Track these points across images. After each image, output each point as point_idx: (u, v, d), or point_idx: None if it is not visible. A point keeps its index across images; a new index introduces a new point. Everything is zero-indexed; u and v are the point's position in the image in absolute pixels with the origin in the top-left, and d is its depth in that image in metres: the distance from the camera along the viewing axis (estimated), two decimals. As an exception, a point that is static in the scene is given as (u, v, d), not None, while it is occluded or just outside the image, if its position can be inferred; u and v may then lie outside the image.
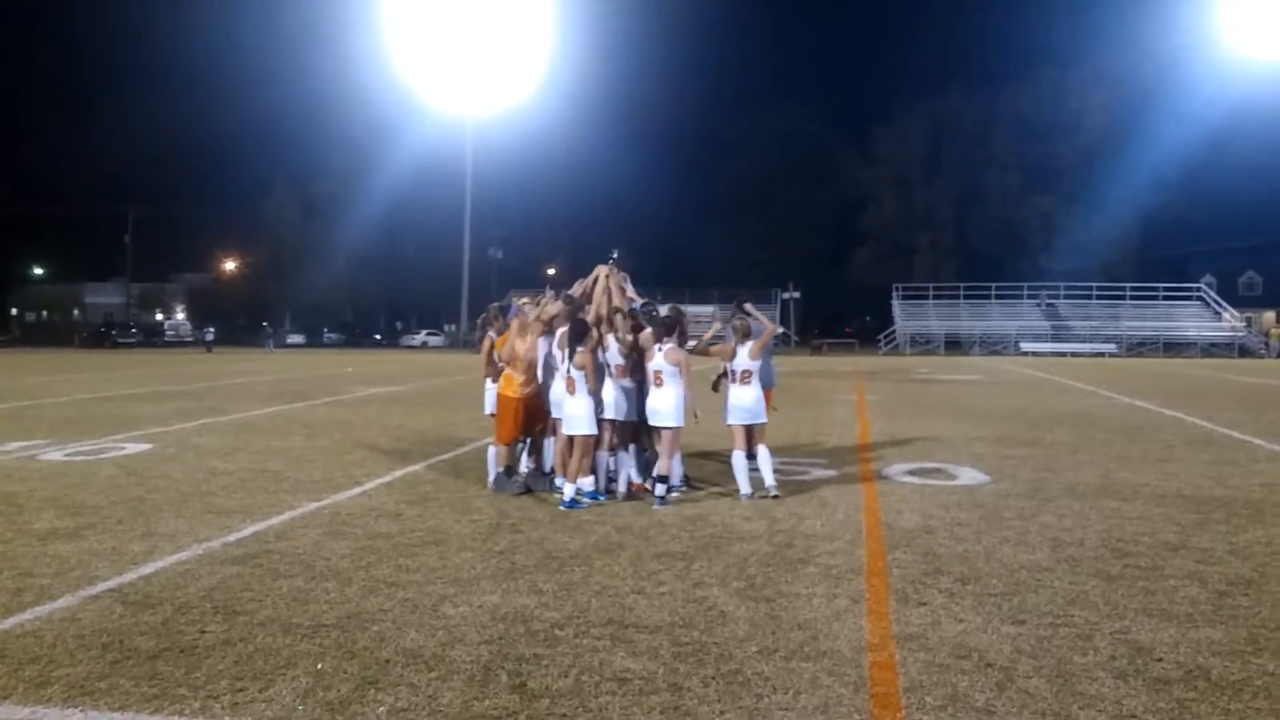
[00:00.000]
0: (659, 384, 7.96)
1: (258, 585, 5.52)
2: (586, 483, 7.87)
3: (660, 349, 7.98)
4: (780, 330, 65.94)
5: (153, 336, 68.84)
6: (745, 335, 8.36)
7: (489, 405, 8.75)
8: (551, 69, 63.23)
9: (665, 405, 7.93)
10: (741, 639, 4.64)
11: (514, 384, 8.25)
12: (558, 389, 8.01)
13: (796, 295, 69.25)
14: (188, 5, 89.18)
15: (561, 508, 7.70)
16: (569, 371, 7.75)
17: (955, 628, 4.80)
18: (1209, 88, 62.49)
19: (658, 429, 8.10)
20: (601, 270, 8.75)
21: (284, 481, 9.04)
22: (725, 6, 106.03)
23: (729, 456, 8.34)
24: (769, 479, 8.28)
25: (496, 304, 9.11)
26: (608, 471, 8.32)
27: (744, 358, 8.29)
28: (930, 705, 3.87)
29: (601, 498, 7.96)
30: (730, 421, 8.30)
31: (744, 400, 8.28)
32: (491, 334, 8.71)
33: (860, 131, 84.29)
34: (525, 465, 8.57)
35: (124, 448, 11.40)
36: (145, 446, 11.51)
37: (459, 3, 58.30)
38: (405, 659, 4.37)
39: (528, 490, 8.31)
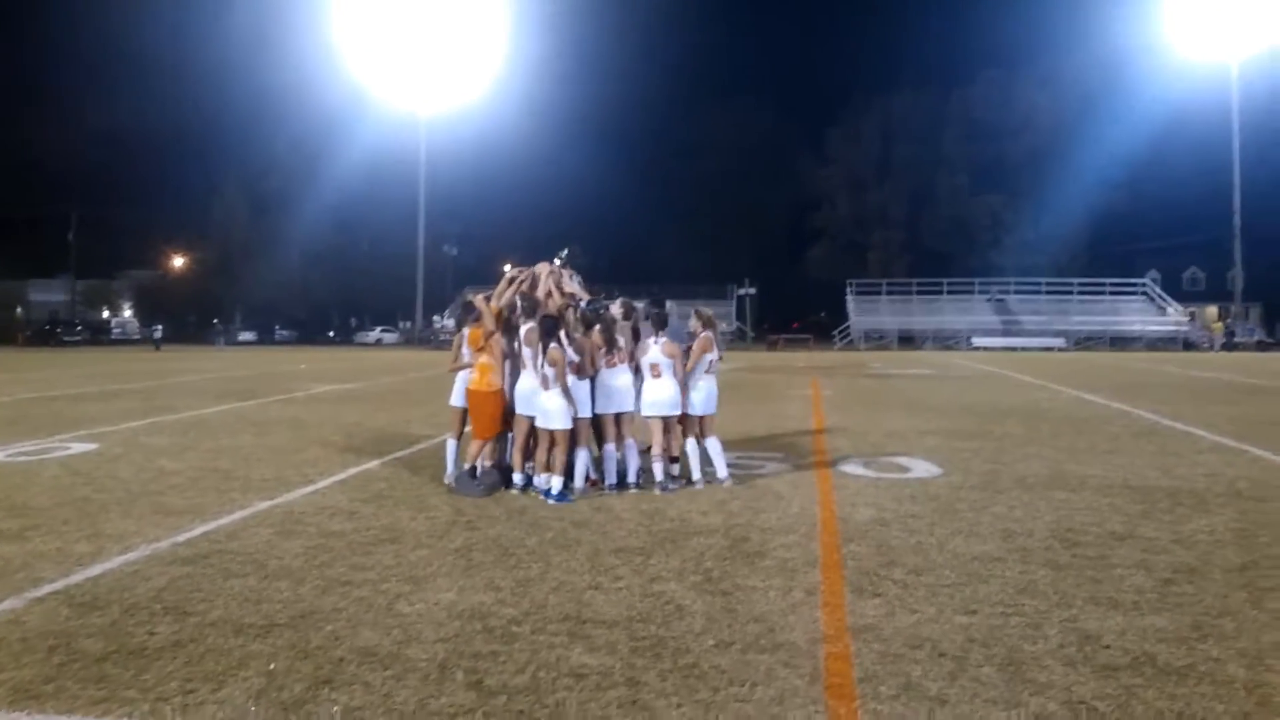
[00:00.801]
0: (657, 375, 8.24)
1: (208, 585, 5.44)
2: (557, 482, 7.84)
3: (656, 342, 8.25)
4: (735, 325, 66.31)
5: (99, 334, 67.53)
6: (710, 325, 8.64)
7: (458, 398, 8.68)
8: (506, 66, 62.97)
9: (665, 395, 8.23)
10: (698, 632, 4.66)
11: (491, 377, 8.21)
12: (525, 384, 8.01)
13: (752, 292, 69.68)
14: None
15: (552, 502, 7.70)
16: (543, 367, 7.76)
17: (909, 618, 4.86)
18: (1152, 90, 63.64)
19: (657, 419, 8.28)
20: (543, 268, 8.79)
21: (235, 480, 8.91)
22: (680, 6, 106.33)
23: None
24: (722, 469, 8.52)
25: (470, 299, 9.03)
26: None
27: (716, 350, 8.61)
28: (884, 695, 3.92)
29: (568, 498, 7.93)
30: (704, 412, 8.48)
31: (712, 389, 8.58)
32: (464, 330, 8.64)
33: (814, 131, 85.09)
34: (481, 463, 8.50)
35: (69, 447, 11.15)
36: (91, 446, 11.27)
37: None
38: (360, 658, 4.33)
39: (491, 493, 8.25)
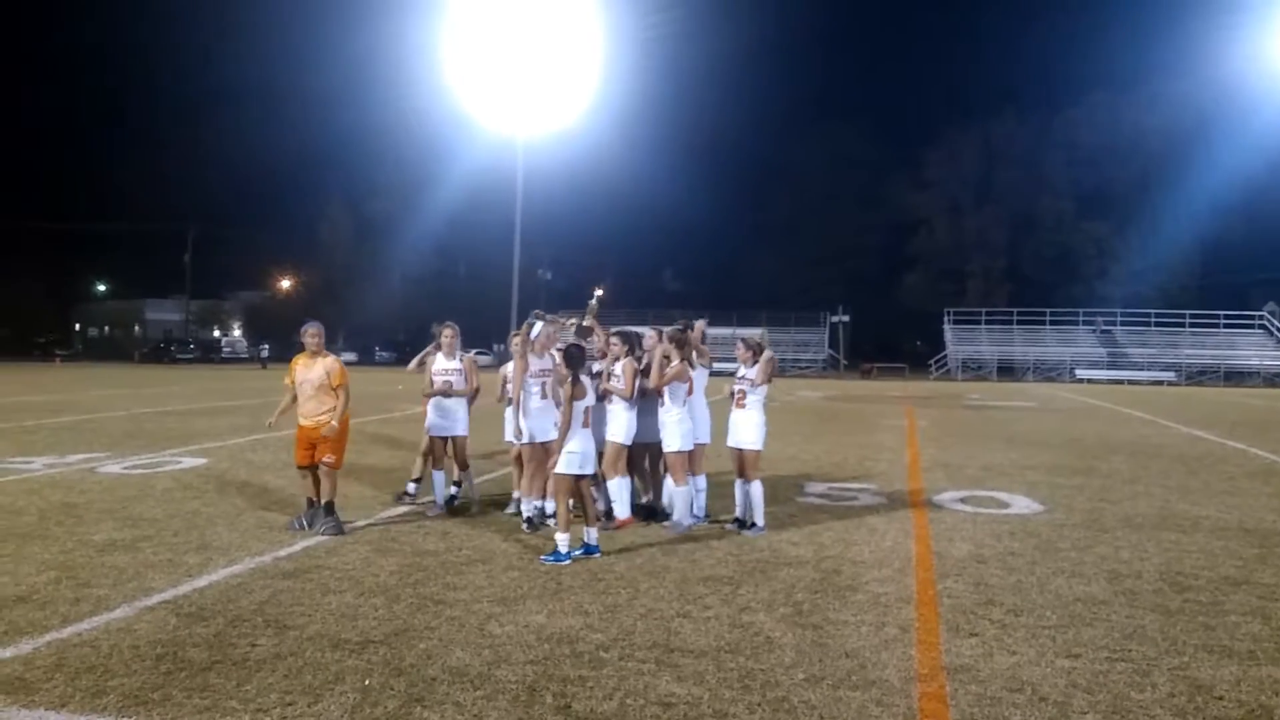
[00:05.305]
0: (741, 405, 7.91)
1: (308, 600, 5.59)
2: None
3: (749, 368, 7.99)
4: (827, 353, 65.51)
5: (210, 353, 70.31)
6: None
7: (439, 429, 8.80)
8: (602, 90, 63.61)
9: (747, 425, 7.89)
10: (788, 666, 4.59)
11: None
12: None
13: (846, 319, 68.65)
14: (250, 29, 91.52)
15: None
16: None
17: (1008, 660, 4.71)
18: (1267, 112, 61.06)
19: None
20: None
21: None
22: (776, 29, 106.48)
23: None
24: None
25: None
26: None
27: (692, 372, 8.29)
28: (981, 739, 3.80)
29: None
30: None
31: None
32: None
33: (911, 155, 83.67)
34: (532, 501, 8.33)
35: (180, 461, 11.62)
36: (201, 461, 11.72)
37: (511, 25, 59.05)
38: (451, 677, 4.39)
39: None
